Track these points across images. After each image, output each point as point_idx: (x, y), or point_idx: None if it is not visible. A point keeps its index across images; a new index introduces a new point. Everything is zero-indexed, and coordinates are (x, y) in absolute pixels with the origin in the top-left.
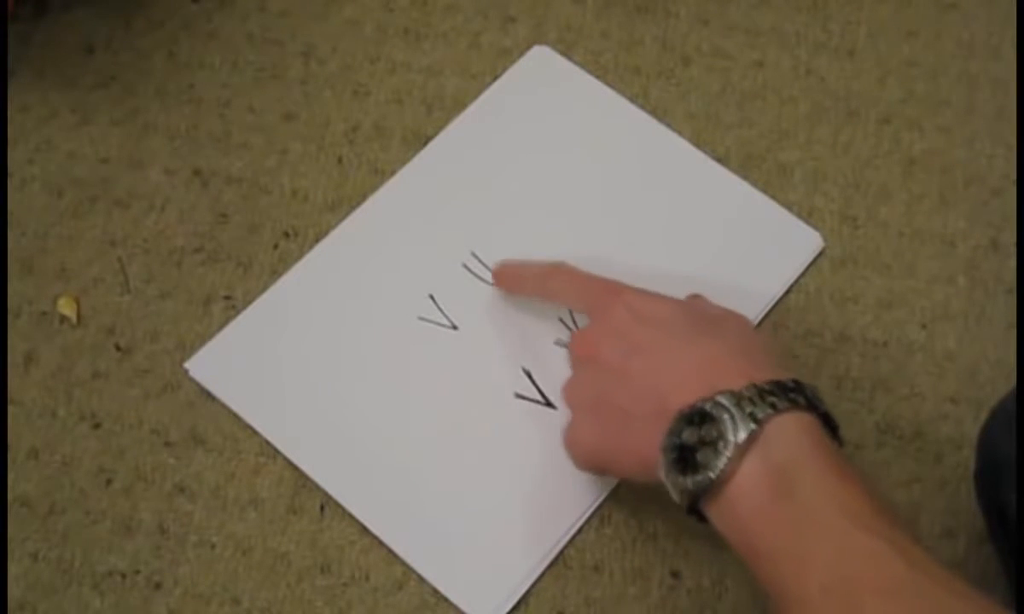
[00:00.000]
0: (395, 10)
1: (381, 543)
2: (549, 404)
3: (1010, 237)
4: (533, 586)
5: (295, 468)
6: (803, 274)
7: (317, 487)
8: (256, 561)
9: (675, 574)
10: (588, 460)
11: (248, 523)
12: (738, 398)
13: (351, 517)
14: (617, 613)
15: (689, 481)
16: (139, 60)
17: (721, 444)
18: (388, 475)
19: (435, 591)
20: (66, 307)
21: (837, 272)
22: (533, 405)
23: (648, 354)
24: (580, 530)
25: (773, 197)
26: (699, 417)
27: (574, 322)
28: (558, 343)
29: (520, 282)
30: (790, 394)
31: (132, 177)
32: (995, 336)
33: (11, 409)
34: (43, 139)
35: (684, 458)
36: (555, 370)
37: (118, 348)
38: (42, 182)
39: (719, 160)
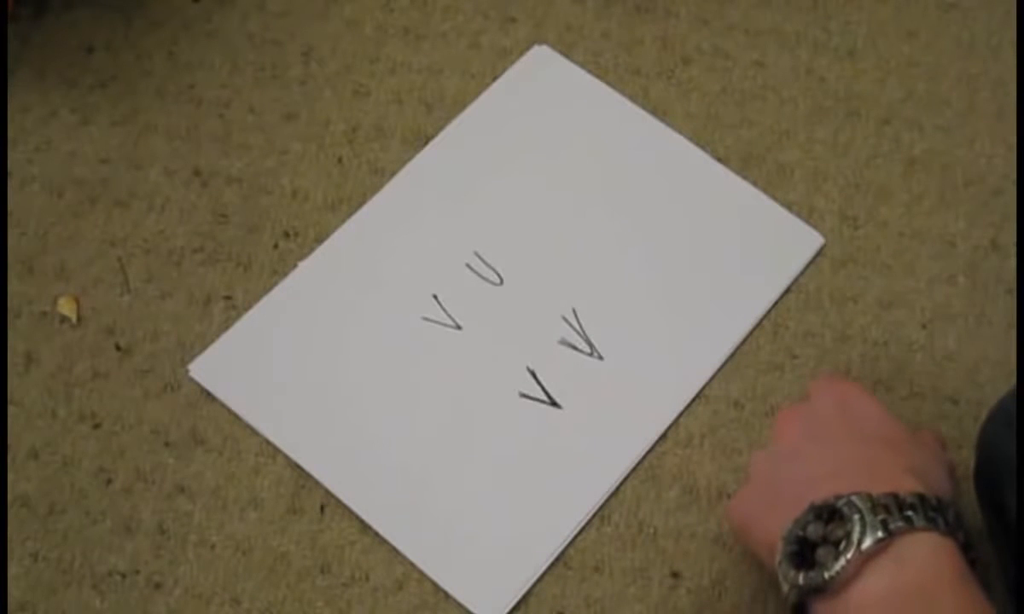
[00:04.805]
0: (395, 10)
1: (381, 543)
2: (554, 404)
3: (1010, 237)
4: (533, 586)
5: (295, 468)
6: (803, 274)
7: (317, 487)
8: (256, 561)
9: (675, 574)
10: (733, 524)
11: (248, 523)
12: (873, 503)
13: (351, 517)
14: (617, 613)
15: (800, 576)
16: (139, 60)
17: (843, 545)
18: (393, 475)
19: (435, 591)
20: (66, 307)
21: (837, 272)
22: (538, 404)
23: (823, 444)
24: (580, 530)
25: (773, 197)
26: (828, 513)
27: (578, 321)
28: (562, 342)
29: None
30: (930, 512)
31: (132, 177)
32: (995, 336)
33: (11, 409)
34: (43, 139)
35: (802, 553)
36: (559, 369)
37: (118, 348)
38: (42, 182)
39: (719, 160)
